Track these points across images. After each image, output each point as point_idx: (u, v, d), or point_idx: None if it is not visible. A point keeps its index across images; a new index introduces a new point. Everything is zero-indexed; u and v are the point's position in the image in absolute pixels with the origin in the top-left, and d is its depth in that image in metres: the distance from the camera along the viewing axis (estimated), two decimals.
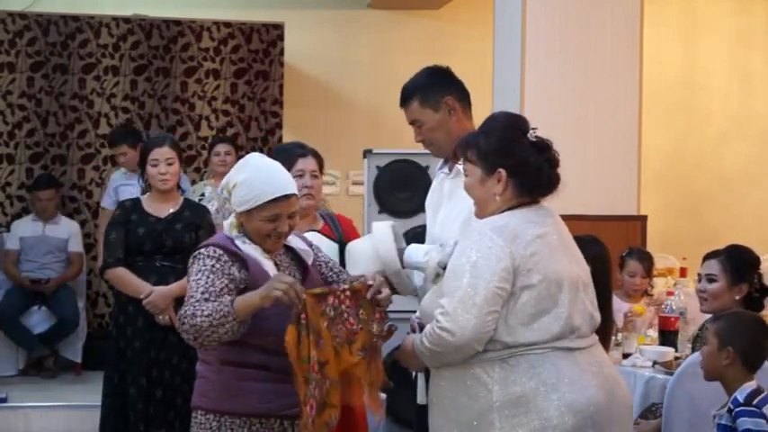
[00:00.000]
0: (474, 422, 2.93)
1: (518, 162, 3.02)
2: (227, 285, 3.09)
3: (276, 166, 3.28)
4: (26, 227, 7.65)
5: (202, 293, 3.06)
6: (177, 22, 8.26)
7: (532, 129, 3.08)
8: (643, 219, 6.48)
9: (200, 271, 3.12)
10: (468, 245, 2.94)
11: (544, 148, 3.06)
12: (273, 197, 3.16)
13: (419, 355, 3.02)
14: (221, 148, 7.03)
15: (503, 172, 3.01)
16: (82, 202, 8.10)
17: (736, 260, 4.36)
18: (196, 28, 8.28)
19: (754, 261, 4.41)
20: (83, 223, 7.99)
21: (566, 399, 2.90)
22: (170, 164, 4.89)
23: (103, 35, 8.11)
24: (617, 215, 6.33)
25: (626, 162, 6.43)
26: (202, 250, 3.18)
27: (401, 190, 6.44)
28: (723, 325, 3.60)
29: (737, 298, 4.29)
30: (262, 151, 8.33)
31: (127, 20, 8.17)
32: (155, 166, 4.88)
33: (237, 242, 3.19)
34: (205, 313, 3.00)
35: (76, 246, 7.70)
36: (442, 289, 2.98)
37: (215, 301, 3.04)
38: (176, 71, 8.24)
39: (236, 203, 3.20)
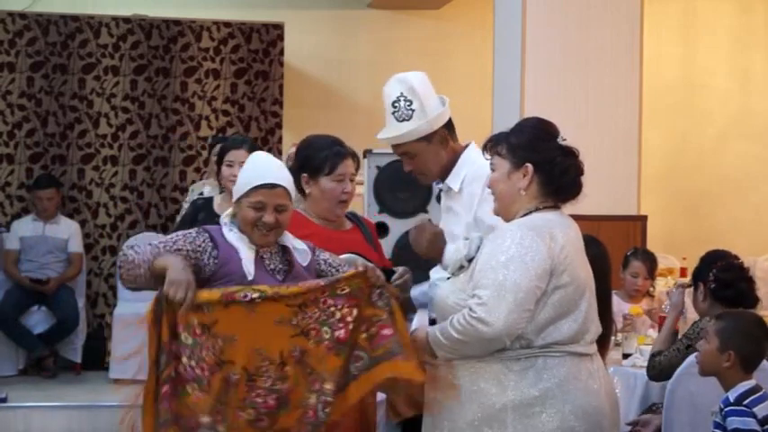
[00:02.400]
0: (485, 419, 2.95)
1: (545, 159, 3.07)
2: (187, 251, 3.20)
3: (269, 158, 3.39)
4: (26, 227, 7.65)
5: (160, 242, 3.21)
6: (177, 22, 8.26)
7: (561, 137, 3.14)
8: (643, 219, 6.48)
9: (176, 233, 3.30)
10: (506, 241, 2.97)
11: (571, 153, 3.13)
12: (257, 184, 3.25)
13: (436, 345, 3.02)
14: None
15: (529, 167, 3.06)
16: (82, 202, 8.09)
17: (695, 268, 4.50)
18: (196, 28, 8.28)
19: (710, 259, 4.46)
20: (83, 223, 7.99)
21: (577, 403, 2.96)
22: None
23: (103, 35, 8.11)
24: (617, 215, 6.33)
25: (626, 162, 6.44)
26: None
27: (401, 190, 6.42)
28: (724, 326, 3.60)
29: (701, 298, 4.38)
30: (261, 150, 8.33)
31: (127, 20, 8.17)
32: (230, 166, 4.85)
33: (225, 229, 3.29)
34: (137, 249, 3.15)
35: (76, 246, 7.70)
36: (468, 282, 3.00)
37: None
38: (176, 71, 8.23)
39: (233, 195, 3.35)
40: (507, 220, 3.11)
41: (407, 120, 3.59)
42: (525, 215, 3.06)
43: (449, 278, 3.20)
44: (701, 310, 4.38)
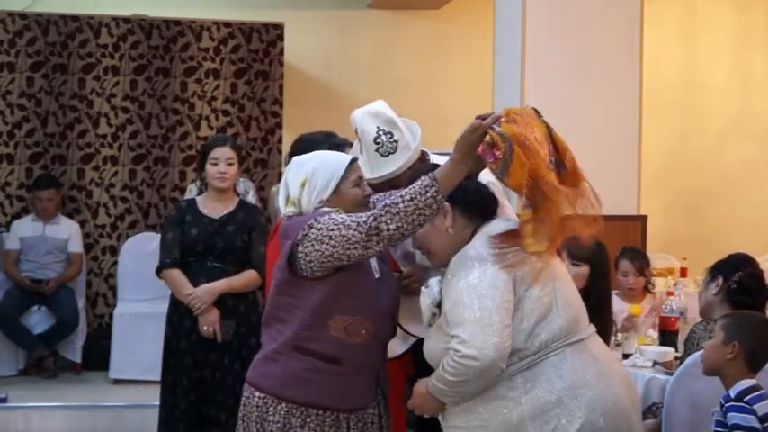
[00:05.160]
0: None
1: (455, 190, 3.06)
2: None
3: (322, 151, 3.39)
4: (26, 227, 7.65)
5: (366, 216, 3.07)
6: (177, 22, 8.26)
7: None
8: (643, 219, 6.48)
9: (337, 215, 3.13)
10: (462, 274, 2.96)
11: (470, 175, 3.13)
12: (350, 160, 3.27)
13: (437, 394, 3.00)
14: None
15: (446, 204, 3.07)
16: (82, 202, 8.10)
17: (718, 261, 4.44)
18: (196, 28, 8.28)
19: (738, 260, 4.44)
20: (83, 223, 7.99)
21: (593, 395, 2.93)
22: (230, 164, 4.92)
23: (103, 35, 8.11)
24: (617, 215, 6.32)
25: (626, 162, 6.43)
26: (317, 217, 3.16)
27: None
28: (730, 321, 3.62)
29: (714, 292, 4.33)
30: (262, 151, 8.35)
31: (127, 20, 8.17)
32: (214, 164, 4.90)
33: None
34: (406, 198, 3.00)
35: (76, 246, 7.70)
36: (446, 325, 2.98)
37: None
38: (176, 71, 8.23)
39: (320, 192, 3.23)
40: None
41: (393, 152, 3.58)
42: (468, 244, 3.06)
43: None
44: (709, 301, 4.34)
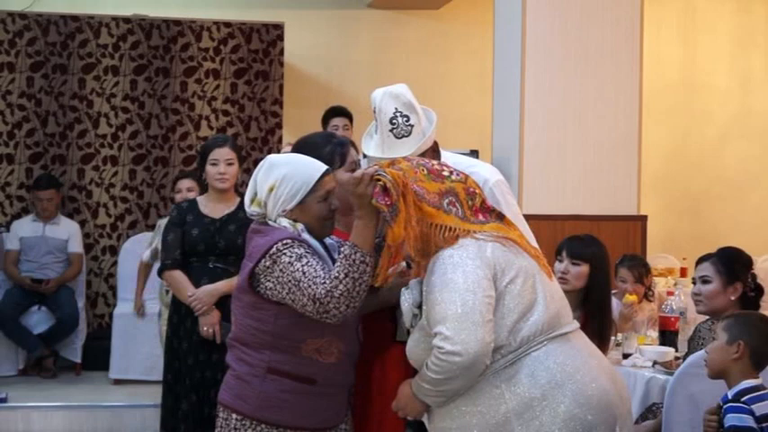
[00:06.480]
0: None
1: None
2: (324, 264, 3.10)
3: (297, 155, 3.32)
4: (26, 227, 7.66)
5: (322, 268, 3.04)
6: (177, 22, 8.26)
7: None
8: (643, 219, 6.48)
9: (297, 259, 3.07)
10: (441, 272, 2.94)
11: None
12: (321, 174, 3.19)
13: (422, 394, 2.99)
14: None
15: None
16: (82, 202, 8.10)
17: (729, 260, 4.33)
18: (196, 28, 8.29)
19: (747, 261, 4.37)
20: (83, 223, 8.00)
21: (578, 389, 2.91)
22: (230, 164, 4.94)
23: (103, 35, 8.12)
24: (617, 215, 6.33)
25: (626, 162, 6.43)
26: (279, 245, 3.09)
27: None
28: (732, 322, 3.60)
29: (733, 298, 4.24)
30: (262, 151, 8.34)
31: (127, 20, 8.18)
32: (214, 165, 4.92)
33: (305, 236, 3.16)
34: (341, 276, 2.98)
35: (76, 246, 7.70)
36: (427, 325, 2.96)
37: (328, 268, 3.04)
38: (176, 71, 8.24)
39: (285, 201, 3.17)
40: (430, 258, 3.06)
41: (407, 136, 3.56)
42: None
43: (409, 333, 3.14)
44: (727, 305, 4.24)
